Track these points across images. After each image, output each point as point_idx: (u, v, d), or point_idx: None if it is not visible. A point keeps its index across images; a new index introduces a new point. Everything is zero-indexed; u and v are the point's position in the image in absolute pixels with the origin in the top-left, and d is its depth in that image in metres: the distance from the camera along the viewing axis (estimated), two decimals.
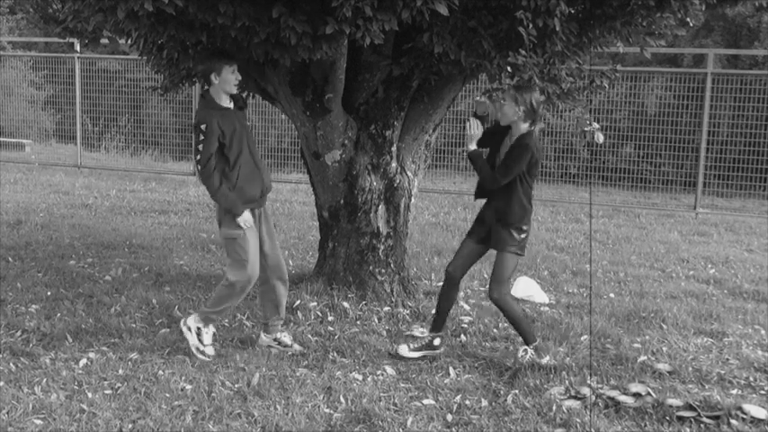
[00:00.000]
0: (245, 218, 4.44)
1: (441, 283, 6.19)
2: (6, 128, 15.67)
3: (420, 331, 5.01)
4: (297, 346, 4.73)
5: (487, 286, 4.63)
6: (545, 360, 4.48)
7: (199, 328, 4.56)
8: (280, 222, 8.99)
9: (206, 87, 4.49)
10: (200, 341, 4.54)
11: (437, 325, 4.68)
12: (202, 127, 4.35)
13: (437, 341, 4.66)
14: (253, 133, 4.88)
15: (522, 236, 4.45)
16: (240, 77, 4.55)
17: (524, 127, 4.42)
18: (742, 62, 16.48)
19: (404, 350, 4.63)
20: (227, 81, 4.42)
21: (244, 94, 5.82)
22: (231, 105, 4.50)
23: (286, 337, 4.76)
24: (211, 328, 4.62)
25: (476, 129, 4.46)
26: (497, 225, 4.46)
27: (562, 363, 4.48)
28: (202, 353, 4.49)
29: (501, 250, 4.46)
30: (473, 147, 4.48)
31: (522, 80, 4.54)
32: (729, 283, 6.70)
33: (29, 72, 17.22)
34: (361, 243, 5.58)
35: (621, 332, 5.15)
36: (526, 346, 4.55)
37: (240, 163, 4.45)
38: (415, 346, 4.67)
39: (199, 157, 4.38)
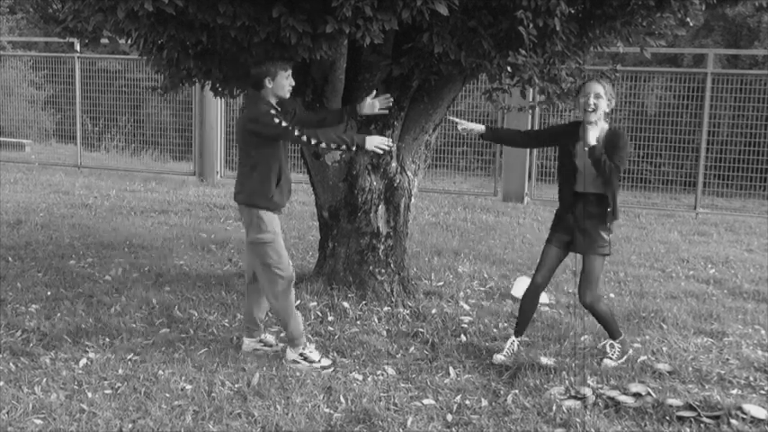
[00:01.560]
0: (378, 140, 4.26)
1: (441, 283, 6.24)
2: (6, 128, 15.66)
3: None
4: (281, 344, 4.70)
5: (577, 290, 4.52)
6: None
7: (302, 354, 4.42)
8: (279, 222, 8.97)
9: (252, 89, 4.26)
10: (311, 361, 4.41)
11: (519, 329, 4.69)
12: (272, 111, 4.13)
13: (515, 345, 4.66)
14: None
15: (611, 236, 4.44)
16: (294, 83, 4.33)
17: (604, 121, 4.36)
18: (742, 62, 16.49)
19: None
20: (281, 86, 4.25)
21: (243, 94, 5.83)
22: None
23: (270, 337, 4.74)
24: (309, 344, 4.50)
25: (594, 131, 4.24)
26: (589, 227, 4.37)
27: (562, 363, 4.48)
28: (323, 368, 4.39)
29: (591, 253, 4.40)
30: (594, 141, 4.21)
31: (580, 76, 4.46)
32: (729, 283, 6.70)
33: (29, 72, 17.20)
34: (361, 243, 5.58)
35: (621, 332, 5.14)
36: (612, 341, 4.60)
37: (284, 169, 4.32)
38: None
39: (284, 124, 4.09)
